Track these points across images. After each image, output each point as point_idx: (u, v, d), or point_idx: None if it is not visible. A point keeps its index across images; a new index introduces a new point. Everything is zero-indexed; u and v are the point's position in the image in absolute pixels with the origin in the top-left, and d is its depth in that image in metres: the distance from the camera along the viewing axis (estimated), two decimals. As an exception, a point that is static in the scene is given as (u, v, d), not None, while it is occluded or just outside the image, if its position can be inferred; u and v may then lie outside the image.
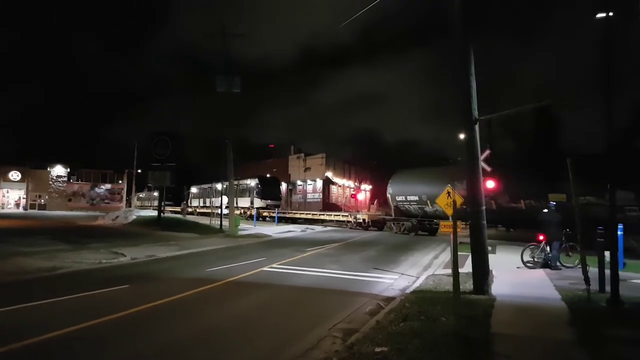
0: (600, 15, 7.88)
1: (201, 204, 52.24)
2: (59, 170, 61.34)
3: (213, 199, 46.96)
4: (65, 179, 62.22)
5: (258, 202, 42.03)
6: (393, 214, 28.21)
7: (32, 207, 57.81)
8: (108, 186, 65.76)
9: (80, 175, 64.43)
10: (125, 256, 14.08)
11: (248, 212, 41.58)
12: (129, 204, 62.07)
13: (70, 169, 62.46)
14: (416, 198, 25.70)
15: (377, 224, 30.45)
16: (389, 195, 28.46)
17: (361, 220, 31.11)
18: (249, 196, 43.85)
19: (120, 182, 66.27)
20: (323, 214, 37.28)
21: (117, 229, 26.14)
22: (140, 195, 75.54)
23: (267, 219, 38.99)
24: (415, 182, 26.33)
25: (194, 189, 57.23)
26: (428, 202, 24.57)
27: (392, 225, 28.26)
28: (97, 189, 64.88)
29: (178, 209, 52.25)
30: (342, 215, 34.74)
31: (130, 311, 7.26)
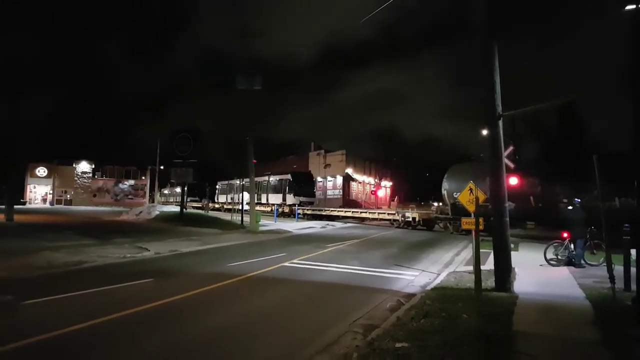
0: (629, 7, 7.68)
1: (228, 200, 51.91)
2: (84, 166, 62.75)
3: (236, 195, 47.25)
4: (90, 175, 63.61)
5: (291, 199, 41.04)
6: (450, 213, 25.69)
7: (59, 202, 59.29)
8: (132, 182, 66.96)
9: (104, 171, 65.78)
10: (149, 251, 14.36)
11: (280, 209, 40.96)
12: (152, 199, 63.13)
13: (94, 166, 63.84)
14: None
15: (427, 223, 28.46)
16: (444, 192, 26.65)
17: (410, 219, 28.71)
18: (282, 192, 42.86)
19: (143, 178, 67.41)
20: (365, 212, 35.07)
21: (141, 225, 26.62)
22: (165, 192, 76.83)
23: (300, 216, 37.75)
24: (476, 177, 24.33)
25: (220, 186, 57.60)
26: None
27: (449, 224, 25.99)
28: (121, 185, 66.14)
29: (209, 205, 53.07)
30: (388, 214, 32.12)
31: (155, 304, 7.43)
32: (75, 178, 62.03)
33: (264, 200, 45.49)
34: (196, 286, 8.88)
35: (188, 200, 61.65)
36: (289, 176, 43.13)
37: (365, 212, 34.88)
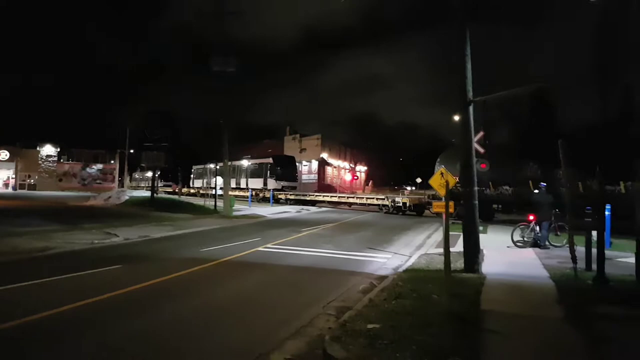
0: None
1: (204, 185, 50.08)
2: (49, 149, 60.62)
3: (212, 180, 46.38)
4: (56, 158, 61.57)
5: (272, 184, 39.36)
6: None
7: (22, 187, 57.27)
8: (100, 166, 65.22)
9: (71, 155, 63.76)
10: (118, 237, 14.08)
11: (261, 195, 39.77)
12: (121, 184, 61.79)
13: (60, 149, 61.74)
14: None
15: (418, 209, 27.38)
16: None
17: (401, 204, 27.43)
18: (263, 177, 41.30)
19: (112, 162, 65.75)
20: (352, 197, 33.76)
21: (110, 210, 26.07)
22: (136, 176, 75.13)
23: (282, 200, 36.82)
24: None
25: (195, 170, 56.11)
26: (490, 183, 22.02)
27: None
28: (88, 169, 64.36)
29: (181, 189, 51.54)
30: (377, 199, 30.43)
31: (123, 291, 7.30)
32: (40, 162, 59.95)
33: (243, 185, 44.22)
34: (167, 272, 8.78)
35: (162, 185, 60.60)
36: (270, 160, 41.62)
37: (353, 197, 33.53)
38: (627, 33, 6.97)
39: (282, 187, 39.08)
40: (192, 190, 51.39)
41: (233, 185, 44.93)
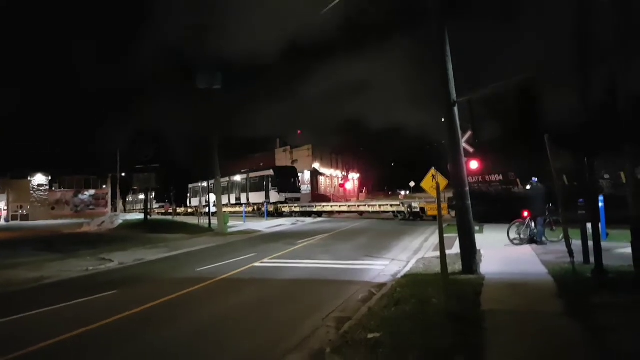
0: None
1: (203, 203, 49.21)
2: (39, 179, 60.26)
3: (207, 197, 45.47)
4: (47, 187, 61.18)
5: (275, 196, 37.94)
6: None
7: (14, 218, 56.74)
8: (92, 192, 64.80)
9: (62, 182, 63.33)
10: (113, 261, 13.94)
11: (263, 209, 37.98)
12: (114, 208, 61.38)
13: (51, 177, 61.36)
14: (499, 177, 21.13)
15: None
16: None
17: (418, 210, 25.37)
18: (264, 190, 39.72)
19: (104, 187, 65.36)
20: (363, 204, 31.74)
21: (104, 235, 25.84)
22: (129, 199, 74.63)
23: (285, 213, 35.21)
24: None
25: (192, 188, 55.15)
26: (518, 180, 19.93)
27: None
28: (80, 196, 63.93)
29: (179, 210, 50.45)
30: (391, 205, 28.42)
31: (119, 316, 7.20)
32: (31, 191, 59.54)
33: (243, 200, 42.95)
34: (163, 294, 8.67)
35: (157, 206, 60.17)
36: (271, 172, 40.16)
37: (365, 205, 31.57)
38: (606, 20, 7.03)
39: (286, 199, 37.66)
40: (189, 210, 50.20)
41: (233, 201, 44.62)
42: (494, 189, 21.80)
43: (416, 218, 25.69)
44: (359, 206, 31.77)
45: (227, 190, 45.64)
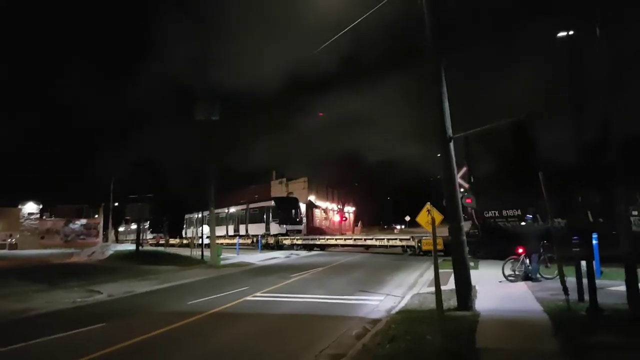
0: (561, 34, 8.25)
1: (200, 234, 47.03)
2: (30, 207, 59.66)
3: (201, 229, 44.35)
4: (38, 216, 60.53)
5: (275, 228, 36.74)
6: (479, 232, 21.14)
7: (2, 247, 55.80)
8: (83, 221, 64.09)
9: (54, 211, 62.75)
10: (102, 293, 13.68)
11: (263, 241, 36.48)
12: (106, 238, 60.66)
13: (43, 206, 60.81)
14: (517, 212, 20.37)
15: (450, 248, 22.47)
16: (472, 210, 21.78)
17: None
18: (265, 222, 38.52)
19: (96, 216, 64.73)
20: (370, 238, 29.75)
21: (94, 266, 25.45)
22: (121, 229, 73.80)
23: (286, 246, 34.00)
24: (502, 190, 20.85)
25: (188, 219, 53.79)
26: (538, 216, 18.49)
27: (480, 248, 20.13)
28: (71, 225, 63.18)
29: (174, 241, 49.12)
30: (401, 239, 26.62)
31: (107, 350, 7.02)
32: (21, 220, 58.85)
33: (242, 232, 41.65)
34: (153, 328, 8.47)
35: (152, 237, 59.42)
36: (272, 203, 39.21)
37: (372, 239, 29.39)
38: (599, 65, 7.25)
39: (287, 231, 36.44)
40: (184, 241, 48.07)
41: (231, 232, 43.46)
42: (512, 225, 20.86)
43: (427, 253, 23.45)
44: (365, 240, 29.94)
45: (226, 221, 44.87)
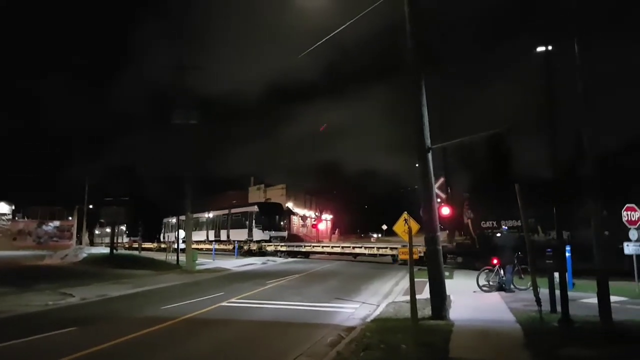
0: (540, 49, 8.46)
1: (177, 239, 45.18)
2: (2, 207, 58.14)
3: (177, 233, 43.42)
4: (10, 217, 58.98)
5: (259, 234, 35.65)
6: (478, 245, 19.99)
7: (-27, 248, 54.14)
8: (57, 223, 62.63)
9: (27, 212, 61.26)
10: (74, 297, 13.38)
11: (245, 247, 35.75)
12: (79, 241, 59.32)
13: (15, 207, 59.30)
14: (517, 223, 18.48)
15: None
16: (468, 221, 21.15)
17: (423, 254, 20.59)
18: (247, 227, 37.32)
19: (70, 218, 63.31)
20: (359, 247, 28.46)
21: (67, 268, 24.86)
22: (97, 232, 72.20)
23: (269, 253, 33.16)
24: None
25: (167, 223, 51.87)
26: (539, 228, 18.12)
27: (474, 260, 19.10)
28: (44, 227, 61.67)
29: (151, 245, 47.96)
30: (391, 248, 25.28)
31: (77, 355, 6.86)
32: (-7, 221, 57.23)
33: (224, 237, 40.79)
34: (125, 332, 8.30)
35: (127, 240, 58.17)
36: (255, 208, 37.96)
37: (360, 247, 28.18)
38: (574, 81, 7.44)
39: (270, 237, 35.38)
40: (162, 245, 45.74)
41: (212, 237, 42.45)
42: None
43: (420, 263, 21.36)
44: (353, 248, 28.59)
45: (206, 226, 44.02)
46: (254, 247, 34.87)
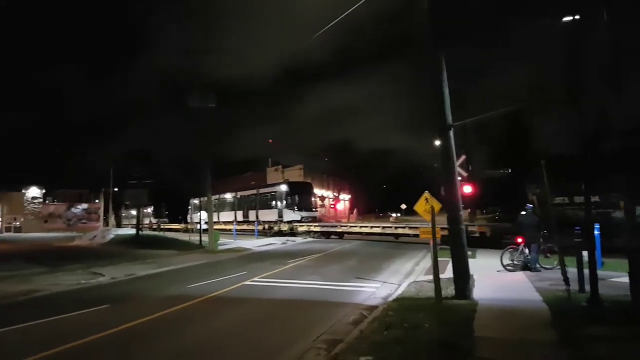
0: (566, 18, 8.11)
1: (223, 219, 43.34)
2: (34, 191, 60.10)
3: (218, 213, 42.20)
4: (41, 200, 60.95)
5: (290, 215, 34.19)
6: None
7: (8, 230, 56.36)
8: (85, 206, 64.47)
9: (56, 196, 63.14)
10: (104, 276, 13.80)
11: (275, 228, 34.57)
12: (106, 223, 60.91)
13: (45, 190, 61.17)
14: (596, 199, 16.68)
15: (496, 237, 19.24)
16: (533, 197, 19.43)
17: (477, 234, 20.15)
18: (276, 207, 36.01)
19: (97, 201, 65.00)
20: (402, 227, 25.98)
21: (95, 249, 25.61)
22: (123, 213, 74.00)
23: (299, 233, 31.79)
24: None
25: (195, 204, 49.72)
26: (621, 204, 16.14)
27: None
28: (73, 209, 63.58)
29: (178, 226, 48.40)
30: (441, 228, 21.10)
31: (110, 332, 7.10)
32: (25, 204, 59.20)
33: (252, 218, 39.37)
34: (155, 310, 8.54)
35: (155, 221, 59.51)
36: (284, 187, 36.05)
37: (404, 227, 25.61)
38: (598, 51, 7.13)
39: (302, 217, 33.68)
40: (189, 226, 42.60)
41: (240, 218, 41.59)
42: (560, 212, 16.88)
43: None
44: (396, 228, 25.97)
45: (234, 206, 43.21)
46: (284, 227, 33.70)
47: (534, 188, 17.44)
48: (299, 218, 33.74)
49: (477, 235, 20.18)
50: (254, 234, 35.68)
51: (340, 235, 30.41)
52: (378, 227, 27.70)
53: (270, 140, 60.98)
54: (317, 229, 31.63)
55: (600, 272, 8.52)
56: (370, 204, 71.87)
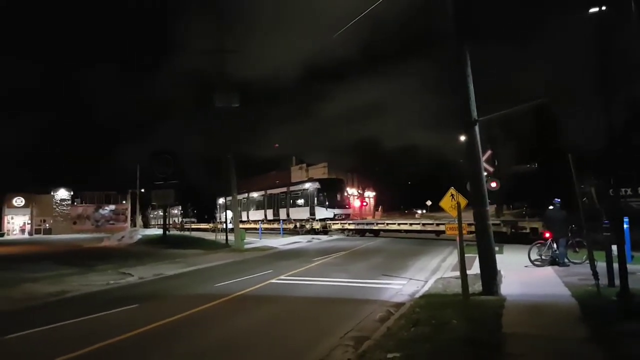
0: (593, 9, 7.95)
1: (242, 218, 43.05)
2: (62, 193, 61.68)
3: (246, 212, 43.31)
4: (69, 202, 62.51)
5: (322, 213, 33.43)
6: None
7: (37, 232, 57.97)
8: (112, 207, 65.89)
9: (84, 197, 64.71)
10: (133, 276, 14.08)
11: (307, 226, 33.96)
12: (133, 223, 62.18)
13: (73, 192, 62.74)
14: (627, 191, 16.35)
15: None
16: (591, 189, 17.07)
17: (528, 230, 19.30)
18: (308, 205, 35.26)
19: (124, 202, 66.39)
20: (443, 223, 23.25)
21: (123, 250, 26.15)
22: (151, 214, 75.45)
23: (332, 231, 31.46)
24: None
25: (221, 203, 50.46)
26: None
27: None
28: (101, 211, 65.05)
29: (205, 225, 48.98)
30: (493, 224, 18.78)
31: (140, 330, 7.27)
32: (54, 206, 60.87)
33: (283, 216, 38.73)
34: (184, 309, 8.71)
35: (185, 221, 60.54)
36: (316, 184, 35.36)
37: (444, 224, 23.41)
38: (628, 42, 6.98)
39: (334, 215, 33.20)
40: (218, 225, 42.16)
41: (270, 217, 41.39)
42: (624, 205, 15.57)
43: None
44: (437, 225, 24.56)
45: (264, 205, 42.89)
46: (317, 225, 33.02)
47: (592, 179, 16.73)
48: (331, 216, 33.21)
49: (527, 231, 19.43)
50: (279, 233, 35.91)
51: (376, 233, 29.57)
52: (417, 224, 26.69)
53: (276, 145, 61.27)
54: (352, 226, 31.05)
55: (630, 266, 8.35)
56: (394, 201, 71.51)
